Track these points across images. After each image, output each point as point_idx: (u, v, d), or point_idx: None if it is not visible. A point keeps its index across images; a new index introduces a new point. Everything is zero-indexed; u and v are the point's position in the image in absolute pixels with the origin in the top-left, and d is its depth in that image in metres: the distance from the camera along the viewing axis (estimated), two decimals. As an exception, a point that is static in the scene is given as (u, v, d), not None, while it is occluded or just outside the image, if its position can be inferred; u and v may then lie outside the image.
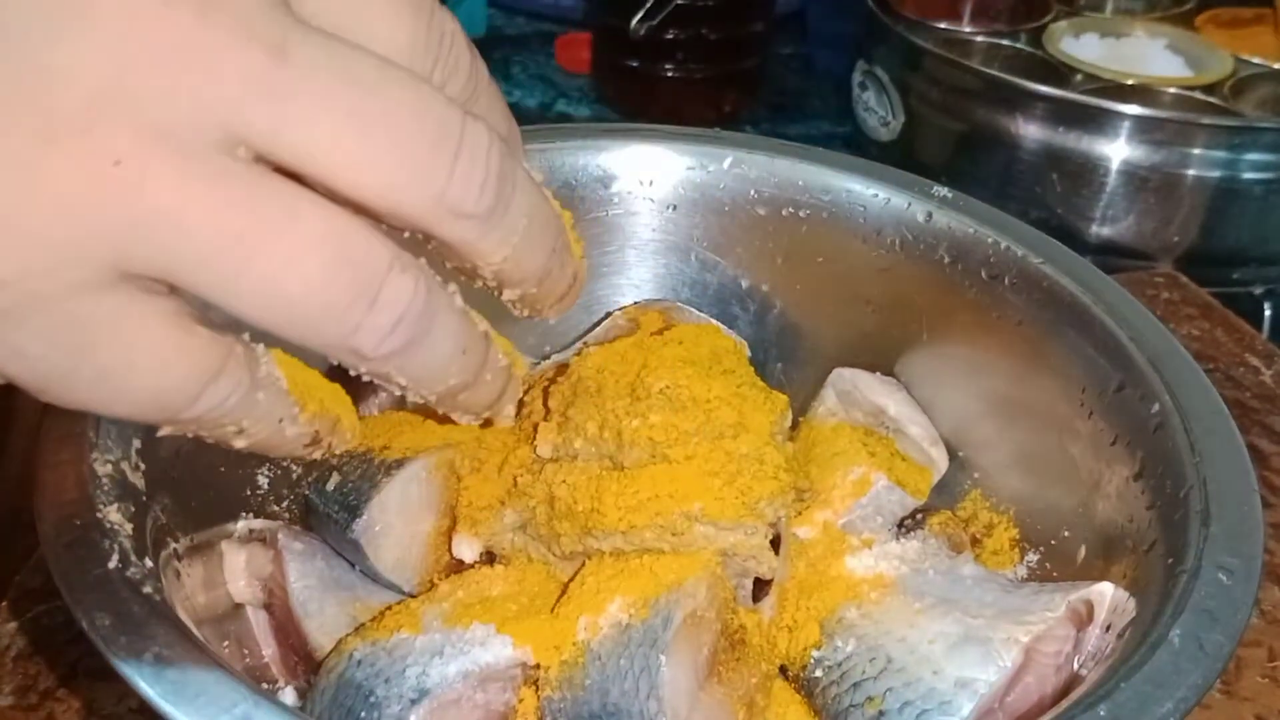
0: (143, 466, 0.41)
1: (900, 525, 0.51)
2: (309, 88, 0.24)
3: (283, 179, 0.24)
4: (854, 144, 1.10)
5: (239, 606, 0.47)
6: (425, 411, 0.52)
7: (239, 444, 0.28)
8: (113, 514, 0.37)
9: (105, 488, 0.38)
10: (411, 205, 0.25)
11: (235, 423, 0.27)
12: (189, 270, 0.23)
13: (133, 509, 0.39)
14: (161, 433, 0.27)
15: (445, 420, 0.51)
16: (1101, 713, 0.33)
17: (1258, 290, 0.90)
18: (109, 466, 0.39)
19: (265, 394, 0.27)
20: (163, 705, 0.32)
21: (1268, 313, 0.90)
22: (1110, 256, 0.89)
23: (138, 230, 0.23)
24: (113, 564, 0.35)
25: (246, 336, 0.26)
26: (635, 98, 1.19)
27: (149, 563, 0.37)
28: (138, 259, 0.23)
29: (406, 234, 0.26)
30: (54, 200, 0.22)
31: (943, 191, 0.55)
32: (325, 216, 0.24)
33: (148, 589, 0.35)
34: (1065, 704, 0.35)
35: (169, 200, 0.23)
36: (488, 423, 0.31)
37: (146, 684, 0.32)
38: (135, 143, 0.23)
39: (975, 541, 0.52)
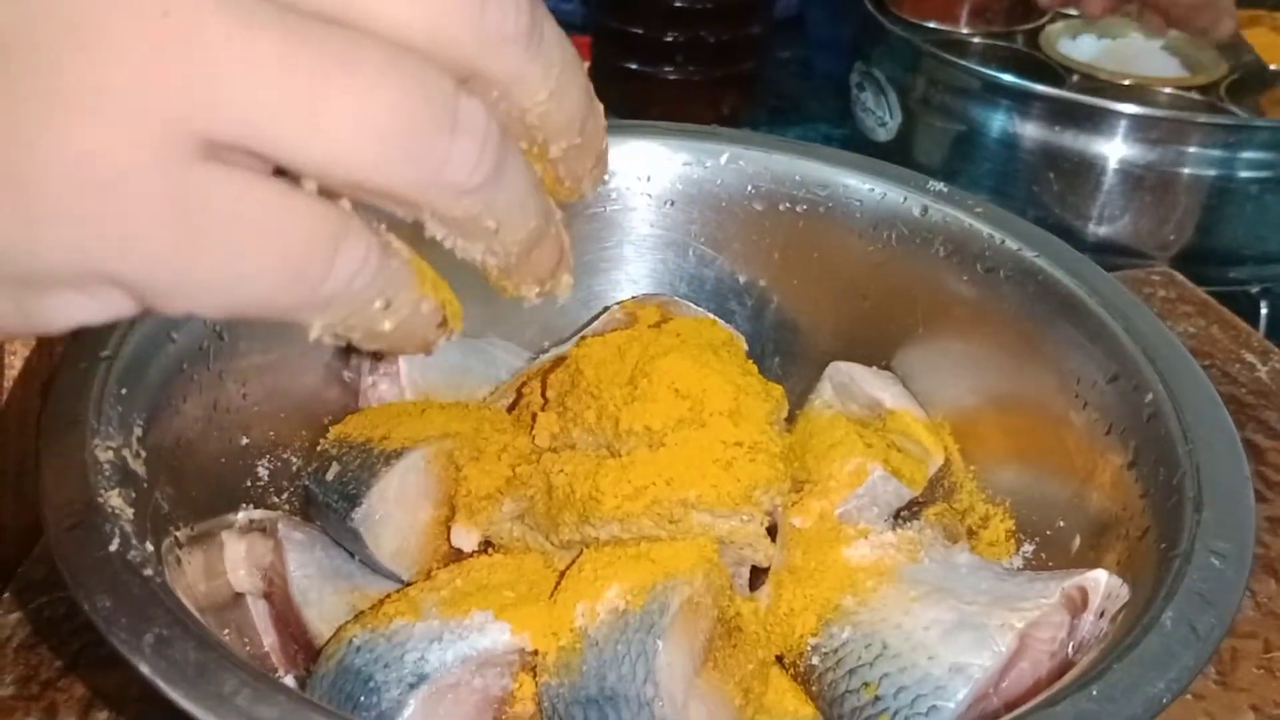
0: (144, 454, 0.41)
1: (896, 516, 0.52)
2: None
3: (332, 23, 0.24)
4: (852, 145, 1.11)
5: (239, 596, 0.47)
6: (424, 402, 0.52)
7: (387, 326, 0.27)
8: (114, 499, 0.37)
9: (106, 474, 0.38)
10: (457, 40, 0.25)
11: (380, 294, 0.26)
12: (268, 122, 0.23)
13: (134, 495, 0.39)
14: (313, 333, 0.26)
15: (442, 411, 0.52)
16: (1094, 693, 0.33)
17: (1254, 288, 0.91)
18: (110, 453, 0.39)
19: (398, 261, 0.26)
20: (163, 686, 0.32)
21: (1264, 310, 0.90)
22: (1107, 255, 0.89)
23: (205, 85, 0.22)
24: (114, 547, 0.35)
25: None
26: (635, 100, 1.20)
27: (150, 547, 0.37)
28: (216, 120, 0.23)
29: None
30: (117, 61, 0.22)
31: (938, 186, 0.56)
32: (385, 48, 0.24)
33: (148, 572, 0.35)
34: (1058, 685, 0.35)
35: (231, 49, 0.22)
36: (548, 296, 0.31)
37: (146, 665, 0.32)
38: None
39: (972, 533, 0.52)
